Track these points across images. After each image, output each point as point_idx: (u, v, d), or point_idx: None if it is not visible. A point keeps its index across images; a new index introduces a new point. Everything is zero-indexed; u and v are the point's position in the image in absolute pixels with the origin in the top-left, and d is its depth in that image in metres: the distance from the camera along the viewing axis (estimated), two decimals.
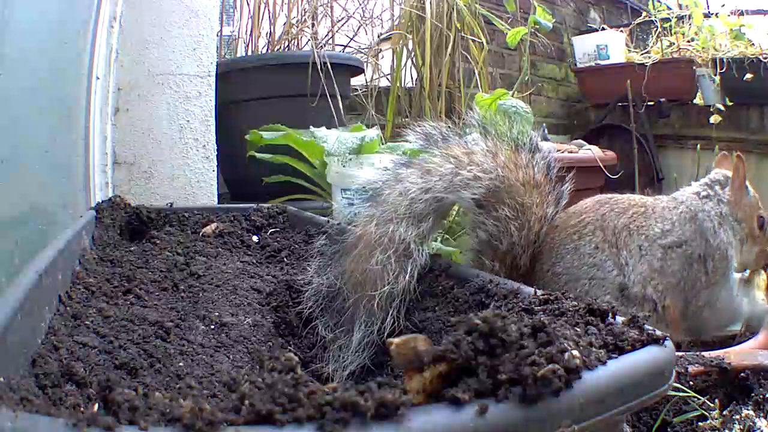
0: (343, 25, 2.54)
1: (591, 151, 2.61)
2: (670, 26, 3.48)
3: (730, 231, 1.05)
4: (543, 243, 1.05)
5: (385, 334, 0.83)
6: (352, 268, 0.87)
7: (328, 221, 1.06)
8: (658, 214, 1.05)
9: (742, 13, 3.13)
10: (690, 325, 1.08)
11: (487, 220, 0.98)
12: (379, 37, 2.67)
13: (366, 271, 0.85)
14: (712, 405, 0.81)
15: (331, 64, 2.00)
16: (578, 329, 0.50)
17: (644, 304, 0.99)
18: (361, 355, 0.83)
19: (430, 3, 2.42)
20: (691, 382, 0.83)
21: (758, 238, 1.09)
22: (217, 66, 1.78)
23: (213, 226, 1.16)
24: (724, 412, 0.80)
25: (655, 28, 3.54)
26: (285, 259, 1.08)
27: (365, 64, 2.43)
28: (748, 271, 1.14)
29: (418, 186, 0.88)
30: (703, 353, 0.89)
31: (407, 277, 0.84)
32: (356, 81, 2.44)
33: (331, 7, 2.47)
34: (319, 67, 1.98)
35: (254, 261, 1.07)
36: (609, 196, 1.10)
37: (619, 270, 1.00)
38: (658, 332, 0.49)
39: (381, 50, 2.65)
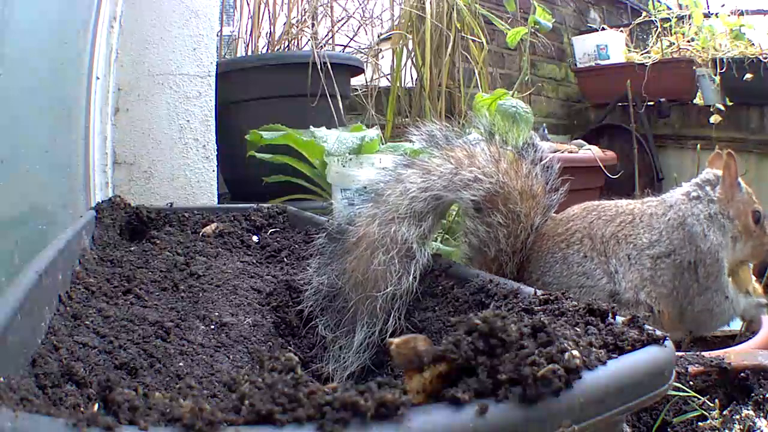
0: (343, 25, 2.54)
1: (591, 151, 2.61)
2: (670, 26, 3.48)
3: (720, 231, 1.04)
4: (530, 251, 1.04)
5: (387, 334, 0.83)
6: (353, 267, 0.87)
7: (328, 221, 1.06)
8: (645, 223, 1.04)
9: (742, 13, 3.14)
10: (689, 327, 1.07)
11: (480, 226, 0.98)
12: (379, 37, 2.67)
13: (368, 272, 0.85)
14: (712, 405, 0.81)
15: (331, 64, 2.00)
16: (578, 329, 0.50)
17: (638, 307, 0.99)
18: (362, 355, 0.83)
19: (430, 3, 2.43)
20: (691, 382, 0.83)
21: (754, 233, 1.08)
22: (217, 66, 1.78)
23: (213, 226, 1.16)
24: (724, 412, 0.80)
25: (655, 28, 3.54)
26: (285, 259, 1.08)
27: (365, 64, 2.43)
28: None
29: (417, 185, 0.88)
30: (703, 353, 0.89)
31: (410, 279, 0.84)
32: (356, 81, 2.44)
33: (331, 7, 2.47)
34: (319, 67, 1.98)
35: (254, 261, 1.07)
36: (596, 203, 1.09)
37: (609, 278, 1.00)
38: (658, 332, 0.49)
39: (381, 50, 2.65)
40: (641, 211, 1.06)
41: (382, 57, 2.68)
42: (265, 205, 1.30)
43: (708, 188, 1.07)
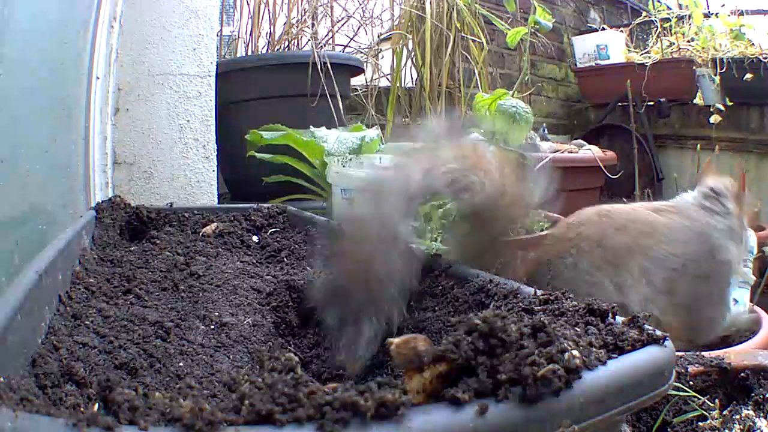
0: (343, 25, 2.54)
1: (591, 151, 2.61)
2: (670, 26, 3.48)
3: (735, 244, 1.04)
4: (540, 254, 1.04)
5: (387, 334, 0.83)
6: (353, 267, 0.87)
7: (328, 221, 1.06)
8: (663, 234, 1.02)
9: (742, 13, 3.13)
10: (690, 337, 1.07)
11: (468, 223, 0.98)
12: (379, 37, 2.67)
13: (368, 272, 0.85)
14: (712, 405, 0.81)
15: (331, 64, 2.00)
16: (578, 329, 0.50)
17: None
18: (362, 355, 0.83)
19: (430, 3, 2.43)
20: (691, 382, 0.83)
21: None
22: (217, 66, 1.78)
23: (213, 226, 1.16)
24: (724, 412, 0.80)
25: (655, 28, 3.54)
26: (285, 259, 1.08)
27: (365, 64, 2.43)
28: None
29: (416, 184, 0.88)
30: (703, 353, 0.89)
31: (410, 279, 0.84)
32: (356, 81, 2.44)
33: (331, 7, 2.47)
34: (319, 67, 1.98)
35: (254, 261, 1.07)
36: (609, 207, 1.07)
37: (618, 289, 0.99)
38: (658, 332, 0.49)
39: (381, 50, 2.65)
40: (656, 222, 1.04)
41: (382, 57, 2.68)
42: (265, 205, 1.30)
43: (724, 200, 1.07)
